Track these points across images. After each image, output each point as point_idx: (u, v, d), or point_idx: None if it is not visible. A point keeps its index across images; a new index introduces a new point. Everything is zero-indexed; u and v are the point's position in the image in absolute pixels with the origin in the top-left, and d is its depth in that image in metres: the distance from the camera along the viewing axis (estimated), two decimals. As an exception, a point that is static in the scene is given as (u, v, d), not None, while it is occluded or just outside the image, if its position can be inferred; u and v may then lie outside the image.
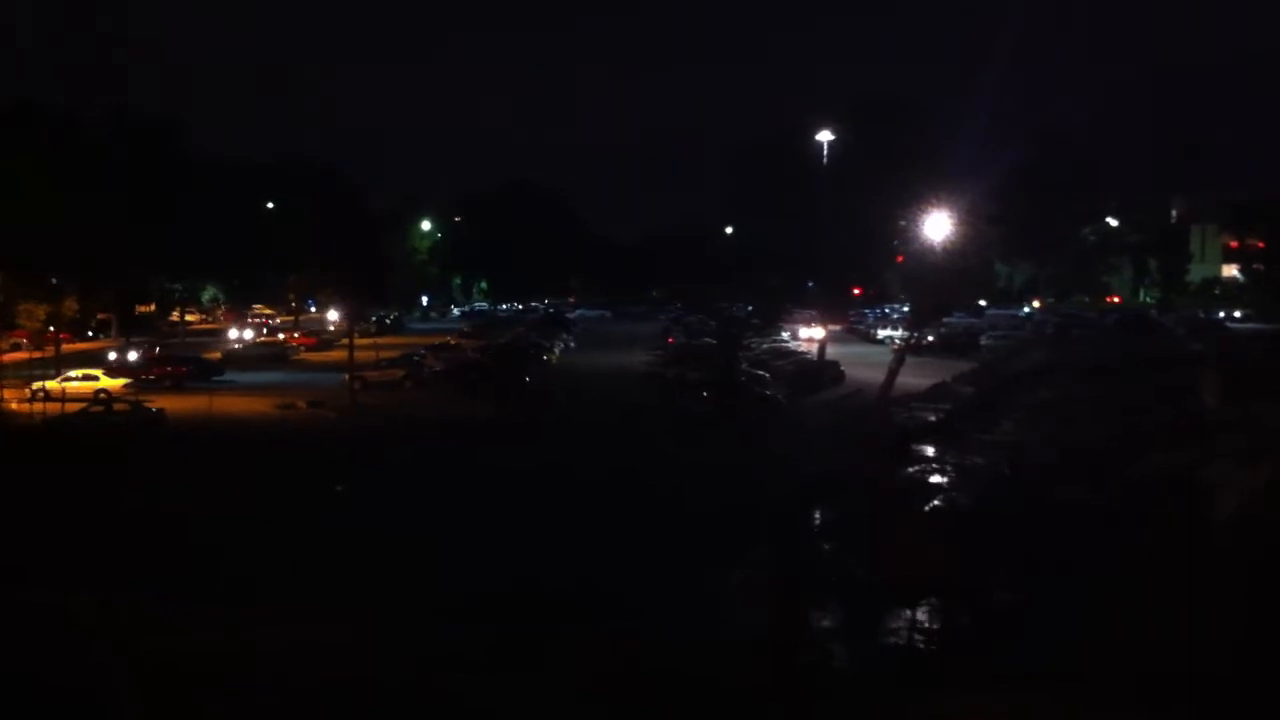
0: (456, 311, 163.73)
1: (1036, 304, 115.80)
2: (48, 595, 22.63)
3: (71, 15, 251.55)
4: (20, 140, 69.07)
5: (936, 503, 38.43)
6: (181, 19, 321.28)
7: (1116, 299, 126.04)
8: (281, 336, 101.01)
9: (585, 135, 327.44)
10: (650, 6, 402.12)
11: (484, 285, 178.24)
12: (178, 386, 68.94)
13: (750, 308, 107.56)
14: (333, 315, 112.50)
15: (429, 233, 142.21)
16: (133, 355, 76.21)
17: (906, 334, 74.23)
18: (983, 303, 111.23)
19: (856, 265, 73.92)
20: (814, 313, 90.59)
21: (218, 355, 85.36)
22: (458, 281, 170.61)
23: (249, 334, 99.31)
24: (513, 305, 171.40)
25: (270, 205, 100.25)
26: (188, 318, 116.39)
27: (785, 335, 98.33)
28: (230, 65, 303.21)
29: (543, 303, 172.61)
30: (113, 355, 75.76)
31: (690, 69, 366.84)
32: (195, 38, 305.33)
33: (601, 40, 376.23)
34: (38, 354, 72.35)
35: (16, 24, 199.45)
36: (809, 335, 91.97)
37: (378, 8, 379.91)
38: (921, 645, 25.02)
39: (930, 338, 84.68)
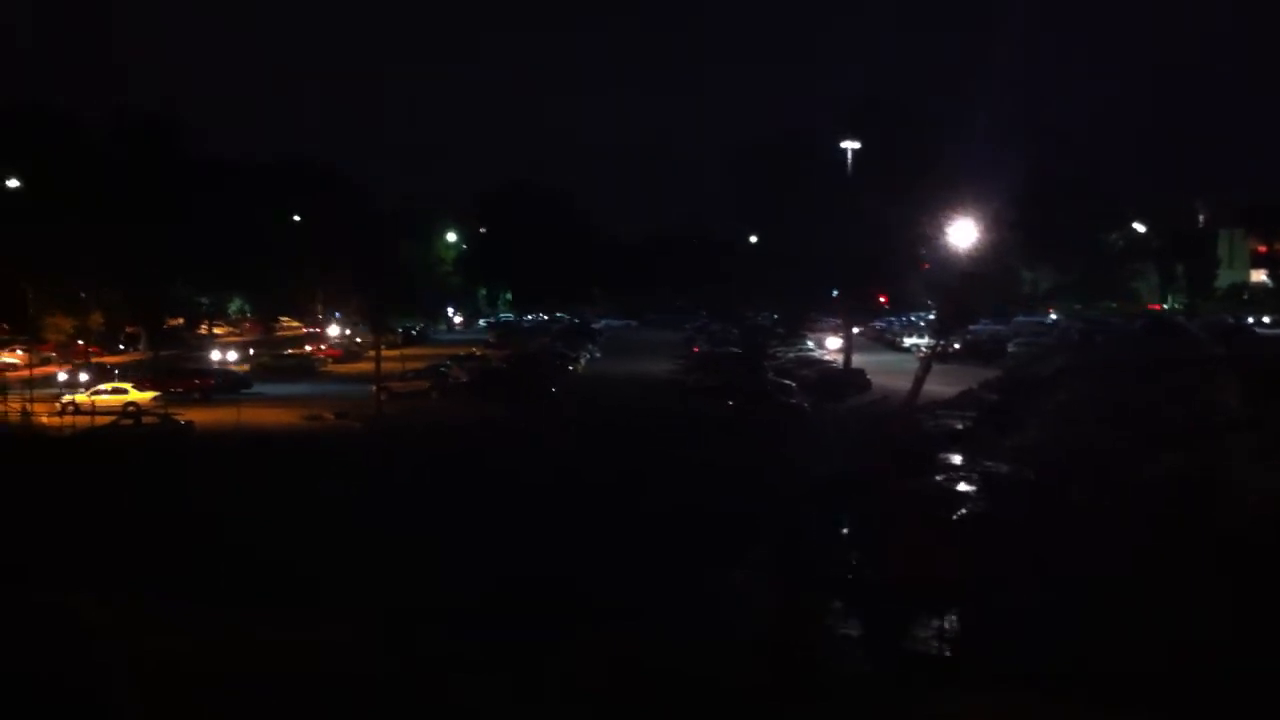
0: (482, 323, 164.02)
1: (1052, 314, 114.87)
2: (58, 597, 22.83)
3: (71, 15, 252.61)
4: (25, 144, 69.58)
5: (962, 509, 38.42)
6: (182, 19, 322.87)
7: (1159, 306, 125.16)
8: (308, 348, 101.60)
9: (588, 136, 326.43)
10: (650, 6, 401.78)
11: (508, 296, 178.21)
12: (205, 399, 69.54)
13: (775, 316, 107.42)
14: (334, 331, 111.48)
15: (454, 244, 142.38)
16: (84, 376, 74.37)
17: (932, 341, 74.02)
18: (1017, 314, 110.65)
19: (880, 272, 73.58)
20: (838, 320, 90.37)
21: (246, 367, 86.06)
22: (483, 292, 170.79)
23: (233, 354, 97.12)
24: (537, 315, 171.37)
25: (295, 217, 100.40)
26: (215, 330, 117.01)
27: (810, 344, 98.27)
28: (229, 66, 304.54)
29: (567, 312, 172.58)
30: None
31: (692, 69, 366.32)
32: (195, 39, 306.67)
33: (601, 41, 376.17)
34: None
35: (16, 24, 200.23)
36: (839, 345, 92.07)
37: (377, 8, 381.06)
38: (925, 646, 25.03)
39: (956, 345, 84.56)
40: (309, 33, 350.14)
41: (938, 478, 42.15)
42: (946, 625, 26.09)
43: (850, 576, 30.26)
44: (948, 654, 24.00)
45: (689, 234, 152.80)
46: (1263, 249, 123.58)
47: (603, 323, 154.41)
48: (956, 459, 45.89)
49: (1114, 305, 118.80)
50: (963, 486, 40.98)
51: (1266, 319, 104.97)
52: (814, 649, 24.59)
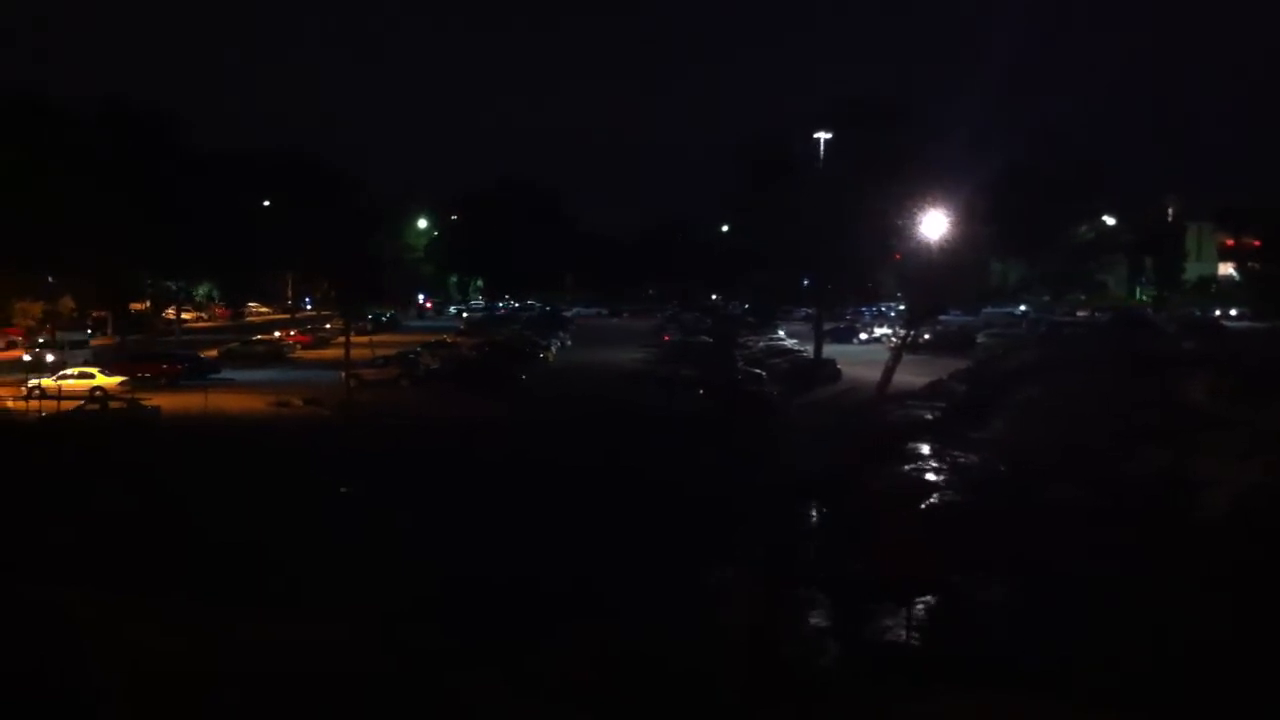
0: (453, 309, 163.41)
1: (1021, 307, 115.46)
2: (42, 592, 22.55)
3: (63, 7, 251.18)
4: (11, 133, 68.72)
5: (932, 500, 38.43)
6: (172, 12, 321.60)
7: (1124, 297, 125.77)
8: (277, 334, 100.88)
9: (581, 133, 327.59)
10: (650, 6, 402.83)
11: (479, 283, 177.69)
12: (173, 384, 68.89)
13: (746, 305, 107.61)
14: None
15: (425, 231, 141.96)
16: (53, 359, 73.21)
17: (902, 331, 74.23)
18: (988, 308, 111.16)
19: (852, 263, 73.62)
20: (809, 310, 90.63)
21: (214, 353, 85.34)
22: (453, 280, 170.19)
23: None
24: (509, 303, 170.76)
25: (265, 202, 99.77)
26: (183, 315, 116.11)
27: (781, 333, 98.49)
28: (221, 60, 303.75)
29: (539, 300, 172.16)
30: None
31: (686, 68, 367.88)
32: (186, 32, 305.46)
33: (598, 39, 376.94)
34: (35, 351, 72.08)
35: (5, 12, 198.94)
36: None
37: (375, 6, 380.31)
38: (909, 644, 25.01)
39: (926, 336, 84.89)
40: (304, 31, 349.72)
41: (913, 472, 42.17)
42: (930, 623, 26.07)
43: (834, 575, 30.12)
44: (932, 652, 23.96)
45: (683, 231, 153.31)
46: (1230, 242, 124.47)
47: (574, 311, 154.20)
48: (927, 450, 45.98)
49: (1082, 298, 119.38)
50: (937, 480, 41.02)
51: (1234, 312, 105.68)
52: (799, 648, 24.53)
